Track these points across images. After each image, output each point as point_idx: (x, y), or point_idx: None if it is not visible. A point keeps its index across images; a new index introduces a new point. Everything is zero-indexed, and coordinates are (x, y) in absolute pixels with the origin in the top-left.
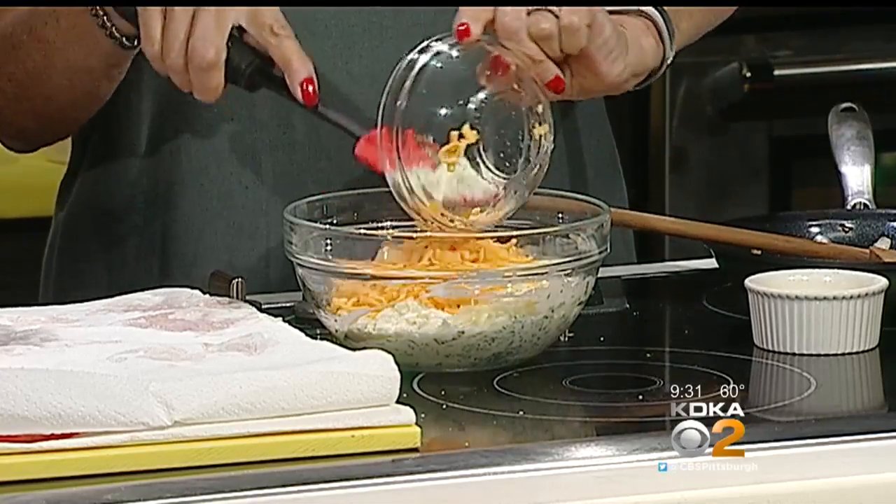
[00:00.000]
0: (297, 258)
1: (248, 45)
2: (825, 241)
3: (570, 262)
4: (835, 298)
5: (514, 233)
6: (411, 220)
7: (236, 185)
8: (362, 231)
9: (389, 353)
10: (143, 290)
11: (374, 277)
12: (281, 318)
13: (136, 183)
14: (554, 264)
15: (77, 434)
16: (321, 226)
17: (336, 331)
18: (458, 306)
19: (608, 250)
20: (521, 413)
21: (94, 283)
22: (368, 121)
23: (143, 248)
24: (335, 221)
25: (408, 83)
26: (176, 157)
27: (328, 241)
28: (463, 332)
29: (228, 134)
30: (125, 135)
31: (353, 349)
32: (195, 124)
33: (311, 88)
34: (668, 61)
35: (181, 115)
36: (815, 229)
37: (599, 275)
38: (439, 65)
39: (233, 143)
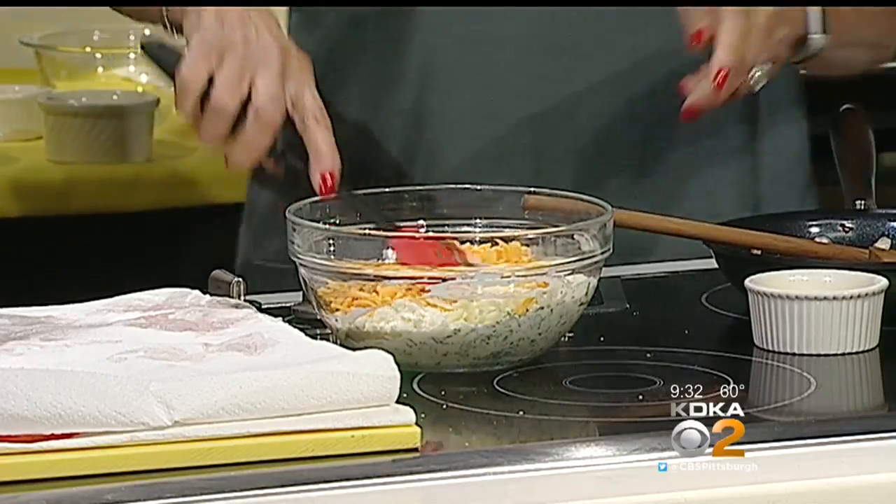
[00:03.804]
0: (299, 258)
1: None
2: (825, 241)
3: (570, 262)
4: (835, 298)
5: (518, 233)
6: (413, 220)
7: (506, 148)
8: (365, 231)
9: (389, 352)
10: None
11: (375, 278)
12: (281, 318)
13: (398, 138)
14: (553, 265)
15: (77, 434)
16: (323, 226)
17: (337, 330)
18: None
19: (611, 251)
20: (521, 413)
21: None
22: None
23: None
24: (338, 222)
25: None
26: (442, 117)
27: (331, 242)
28: (459, 330)
29: (501, 96)
30: (389, 93)
31: (354, 349)
32: (465, 85)
33: (329, 182)
34: (817, 37)
35: (450, 74)
36: (815, 229)
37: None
38: None
39: (508, 107)
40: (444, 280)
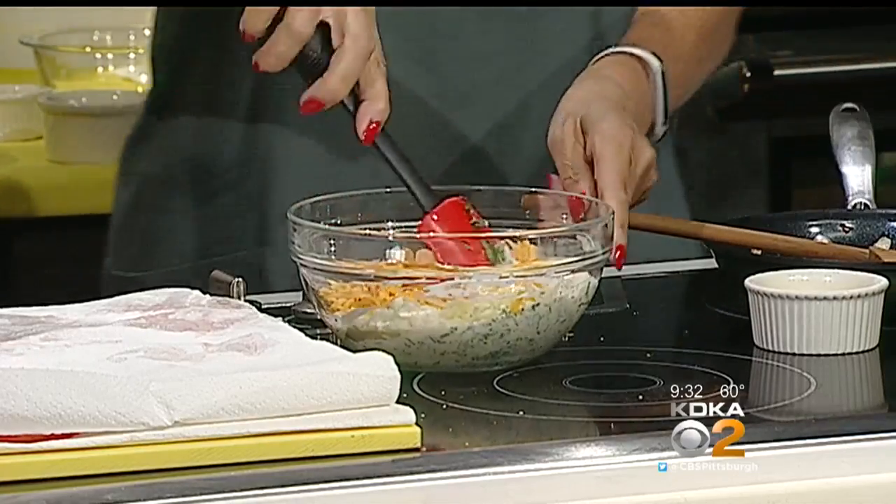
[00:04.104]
0: (299, 258)
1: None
2: (825, 241)
3: (569, 263)
4: (835, 298)
5: (520, 233)
6: (414, 220)
7: (343, 150)
8: (365, 231)
9: (388, 353)
10: (241, 247)
11: (375, 278)
12: (281, 318)
13: (235, 139)
14: (552, 265)
15: (77, 434)
16: (323, 226)
17: (337, 330)
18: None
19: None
20: (521, 413)
21: (186, 239)
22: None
23: (241, 204)
24: (339, 222)
25: None
26: (282, 115)
27: (331, 242)
28: (455, 328)
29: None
30: (226, 91)
31: (354, 349)
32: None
33: (374, 128)
34: (663, 121)
35: (288, 75)
36: (815, 229)
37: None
38: None
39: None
40: (443, 280)
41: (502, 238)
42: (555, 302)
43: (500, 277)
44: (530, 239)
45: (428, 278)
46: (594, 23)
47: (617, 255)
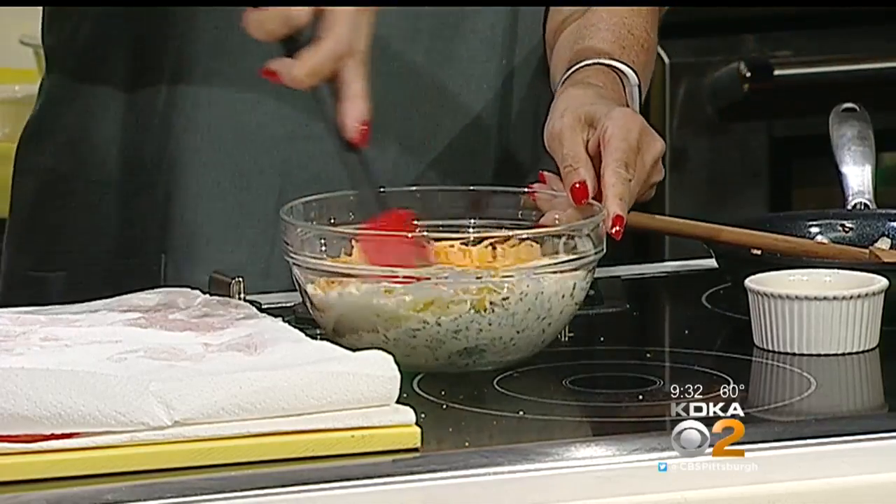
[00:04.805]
0: (292, 257)
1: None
2: (825, 241)
3: (545, 266)
4: (835, 298)
5: (511, 233)
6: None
7: (251, 166)
8: (358, 230)
9: (370, 348)
10: (140, 253)
11: (359, 275)
12: (281, 318)
13: (148, 143)
14: (528, 268)
15: (77, 434)
16: (314, 225)
17: (325, 327)
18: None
19: (604, 250)
20: (521, 413)
21: (82, 243)
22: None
23: (149, 209)
24: (332, 221)
25: None
26: (192, 123)
27: (322, 241)
28: (427, 323)
29: (251, 112)
30: (141, 93)
31: (342, 346)
32: (218, 96)
33: (363, 128)
34: None
35: (203, 82)
36: (815, 229)
37: (599, 275)
38: None
39: (258, 124)
40: (419, 280)
41: (496, 238)
42: (531, 300)
43: (476, 278)
44: (522, 238)
45: (404, 276)
46: (509, 48)
47: (615, 230)
